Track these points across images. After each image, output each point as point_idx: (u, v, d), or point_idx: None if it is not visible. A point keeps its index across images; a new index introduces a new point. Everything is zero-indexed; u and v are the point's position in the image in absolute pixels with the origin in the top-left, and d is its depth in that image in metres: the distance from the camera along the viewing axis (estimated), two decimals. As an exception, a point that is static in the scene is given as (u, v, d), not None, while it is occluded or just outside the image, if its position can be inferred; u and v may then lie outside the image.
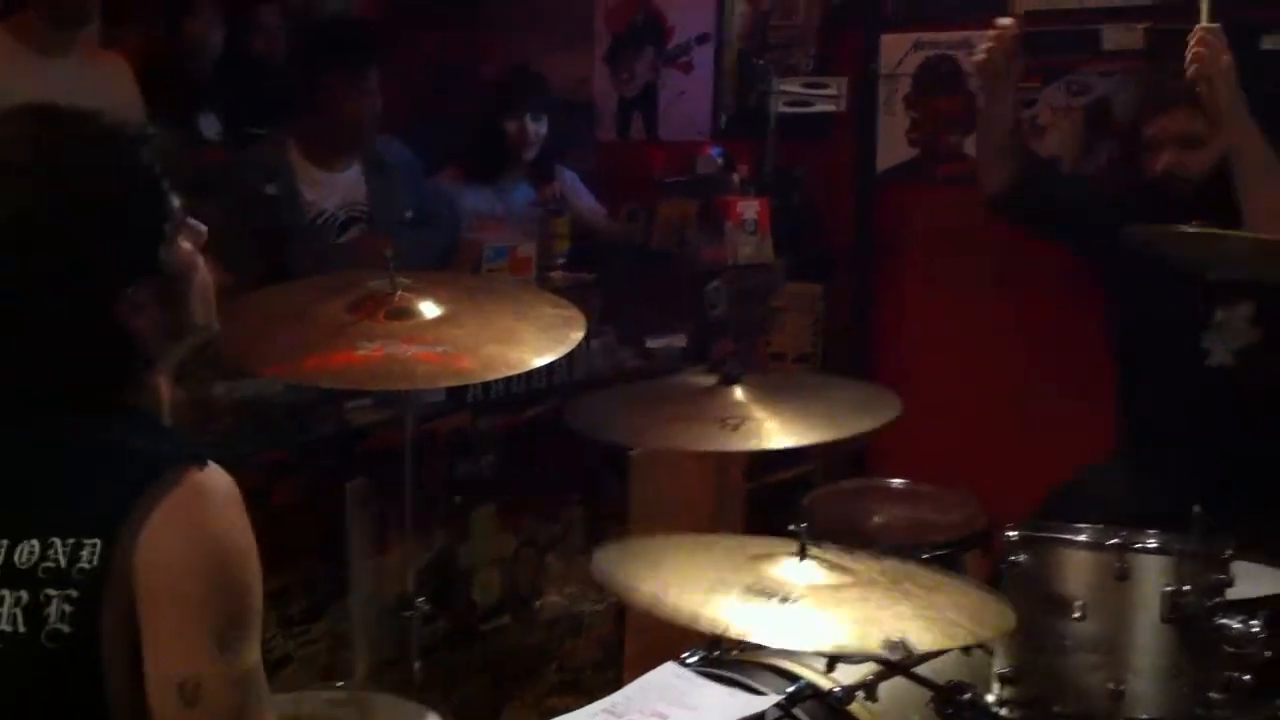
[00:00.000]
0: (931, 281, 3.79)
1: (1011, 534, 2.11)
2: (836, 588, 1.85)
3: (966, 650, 2.06)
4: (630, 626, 2.91)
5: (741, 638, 1.70)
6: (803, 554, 1.89)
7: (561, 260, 3.37)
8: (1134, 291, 2.96)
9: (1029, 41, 3.55)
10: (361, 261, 2.69)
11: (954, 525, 2.66)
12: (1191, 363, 2.88)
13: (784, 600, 1.71)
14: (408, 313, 2.19)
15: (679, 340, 3.33)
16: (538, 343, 2.17)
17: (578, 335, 2.20)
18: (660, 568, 1.82)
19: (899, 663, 1.85)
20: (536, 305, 2.31)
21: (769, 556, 1.91)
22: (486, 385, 2.60)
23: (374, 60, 3.19)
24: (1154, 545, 2.03)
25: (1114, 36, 3.45)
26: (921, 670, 1.96)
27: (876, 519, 2.78)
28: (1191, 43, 2.63)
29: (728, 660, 1.98)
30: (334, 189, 3.17)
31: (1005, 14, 3.57)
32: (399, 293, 2.20)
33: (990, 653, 2.09)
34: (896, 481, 2.94)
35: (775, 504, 3.29)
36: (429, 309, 2.20)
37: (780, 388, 2.46)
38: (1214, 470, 2.60)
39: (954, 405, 3.69)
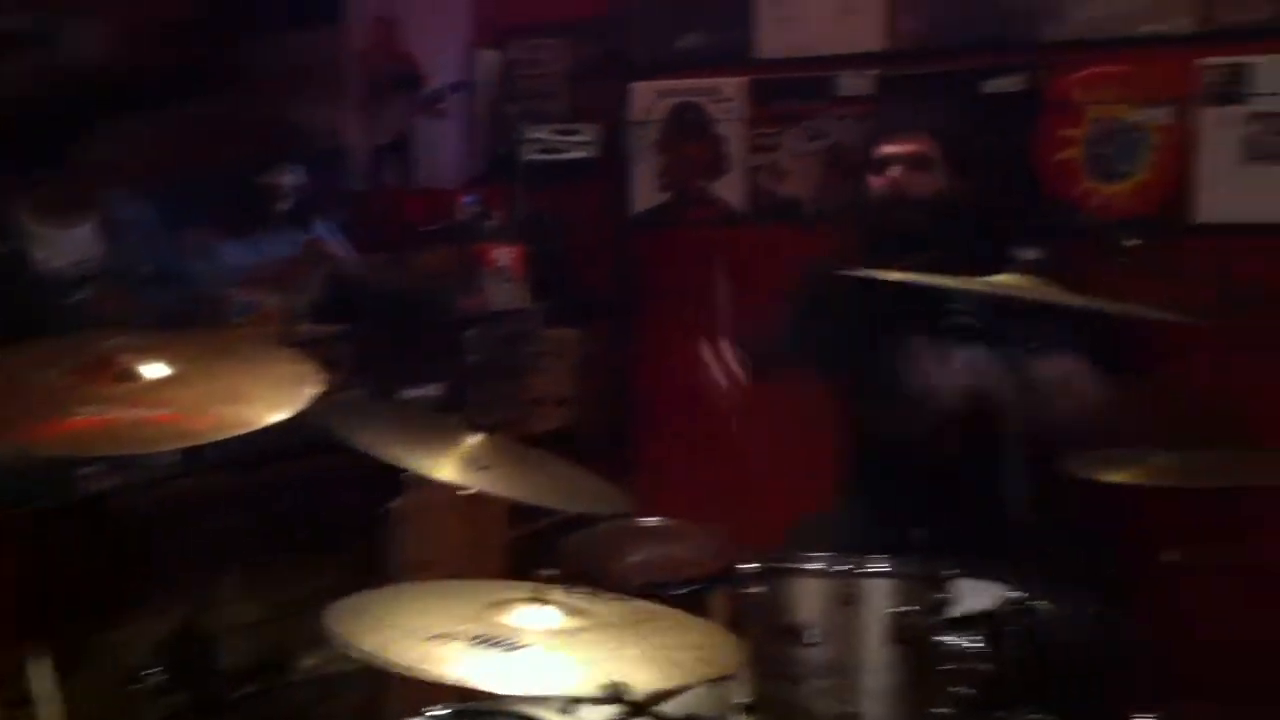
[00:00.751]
0: (688, 323, 3.86)
1: (747, 567, 2.17)
2: (571, 632, 1.87)
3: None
4: (390, 684, 2.87)
5: (459, 684, 1.71)
6: (541, 599, 1.90)
7: (311, 313, 3.33)
8: (868, 338, 3.02)
9: (770, 88, 3.71)
10: (94, 321, 2.61)
11: (705, 562, 2.73)
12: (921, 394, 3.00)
13: (510, 648, 1.73)
14: (135, 375, 2.13)
15: (436, 390, 3.32)
16: (272, 399, 2.13)
17: (314, 391, 2.17)
18: (389, 620, 1.81)
19: (636, 703, 1.88)
20: (272, 361, 2.28)
21: (507, 603, 1.92)
22: (228, 443, 2.54)
23: (110, 114, 3.11)
24: (879, 569, 2.12)
25: (849, 82, 3.61)
26: (671, 705, 2.00)
27: (631, 559, 2.82)
28: None
29: (470, 712, 1.98)
30: (66, 246, 3.07)
31: (747, 61, 3.74)
32: (126, 354, 2.14)
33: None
34: (651, 521, 2.98)
35: (540, 550, 3.30)
36: (158, 370, 2.15)
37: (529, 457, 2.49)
38: (942, 492, 2.72)
39: (714, 444, 3.76)
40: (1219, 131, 3.20)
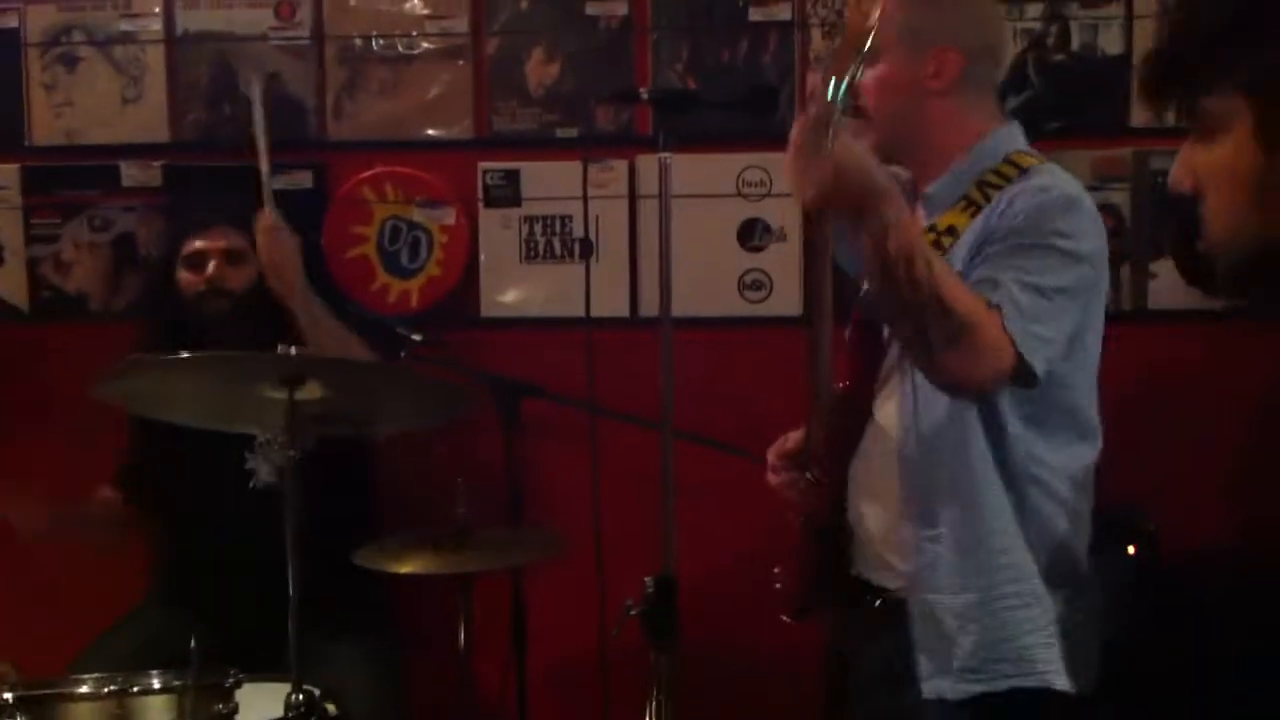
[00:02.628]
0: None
1: (5, 695, 1.97)
2: None
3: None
4: None
5: None
6: None
7: None
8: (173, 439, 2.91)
9: (46, 176, 3.47)
10: None
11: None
12: (237, 486, 2.93)
13: None
14: None
15: None
16: None
17: None
18: None
19: None
20: None
21: None
22: None
23: None
24: (156, 685, 2.00)
25: (132, 173, 3.46)
26: None
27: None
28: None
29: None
30: None
31: (18, 148, 3.46)
32: None
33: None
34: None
35: None
36: None
37: None
38: (245, 592, 2.66)
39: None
40: (497, 231, 3.40)
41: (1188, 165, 1.33)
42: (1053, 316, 1.94)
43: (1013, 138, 2.15)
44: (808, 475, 2.14)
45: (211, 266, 2.99)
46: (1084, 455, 2.09)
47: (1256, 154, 1.25)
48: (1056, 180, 2.06)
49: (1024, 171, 2.07)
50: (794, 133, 1.78)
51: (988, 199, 2.04)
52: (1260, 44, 1.22)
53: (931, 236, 2.05)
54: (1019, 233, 1.96)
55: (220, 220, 3.04)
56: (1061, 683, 2.00)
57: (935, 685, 2.04)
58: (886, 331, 2.10)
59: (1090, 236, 2.03)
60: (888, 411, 2.11)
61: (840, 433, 2.14)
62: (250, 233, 2.99)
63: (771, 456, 2.27)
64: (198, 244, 3.02)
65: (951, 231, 2.05)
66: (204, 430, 2.68)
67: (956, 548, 2.04)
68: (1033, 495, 2.04)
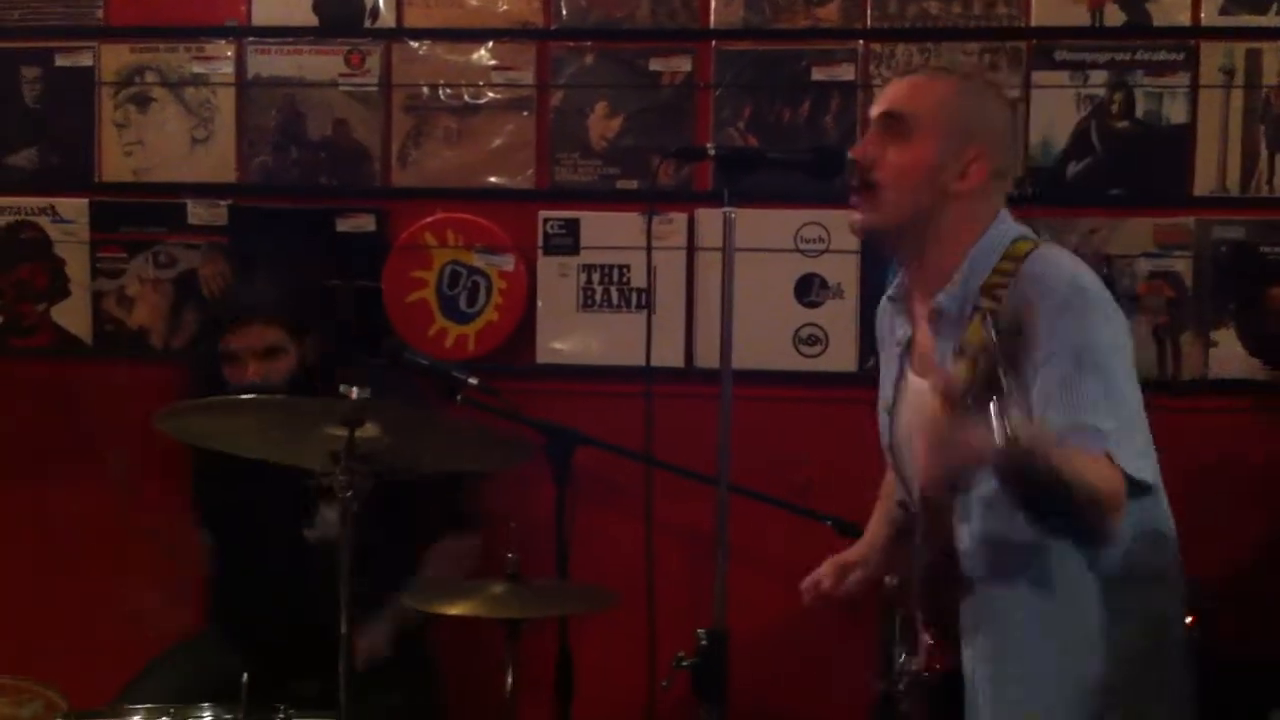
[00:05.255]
0: (20, 466, 3.55)
1: (58, 722, 2.00)
2: None
3: None
4: None
5: None
6: None
7: None
8: (236, 483, 2.91)
9: (114, 212, 3.53)
10: None
11: (35, 716, 2.54)
12: (293, 541, 2.93)
13: None
14: None
15: None
16: None
17: None
18: None
19: None
20: None
21: None
22: None
23: None
24: (207, 717, 2.02)
25: (199, 212, 3.52)
26: None
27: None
28: None
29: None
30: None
31: (88, 183, 3.52)
32: None
33: None
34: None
35: None
36: None
37: None
38: (297, 639, 2.67)
39: (47, 594, 3.47)
40: (555, 279, 3.43)
41: None
42: (1136, 414, 1.95)
43: (1004, 229, 2.11)
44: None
45: (251, 369, 2.92)
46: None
47: None
48: (1055, 272, 2.01)
49: (1019, 263, 2.03)
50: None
51: (999, 301, 1.98)
52: None
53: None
54: (1059, 360, 1.92)
55: (254, 316, 2.97)
56: None
57: None
58: None
59: (1112, 315, 2.00)
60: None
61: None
62: (284, 325, 2.94)
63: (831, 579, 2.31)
64: (233, 344, 2.95)
65: None
66: (262, 474, 2.69)
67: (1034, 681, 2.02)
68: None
